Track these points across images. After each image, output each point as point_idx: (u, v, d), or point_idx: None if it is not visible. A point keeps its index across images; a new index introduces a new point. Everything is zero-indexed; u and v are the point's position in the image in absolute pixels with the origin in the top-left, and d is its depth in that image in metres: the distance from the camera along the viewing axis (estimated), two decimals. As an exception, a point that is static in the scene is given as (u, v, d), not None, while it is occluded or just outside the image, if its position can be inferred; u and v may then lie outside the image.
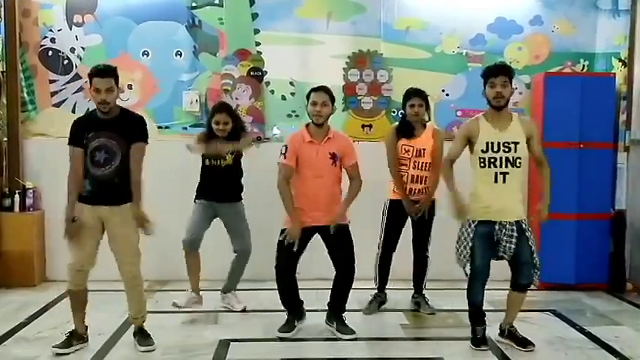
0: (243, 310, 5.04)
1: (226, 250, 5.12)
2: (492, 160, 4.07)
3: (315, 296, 5.36)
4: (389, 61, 6.13)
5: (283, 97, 6.12)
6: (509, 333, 4.33)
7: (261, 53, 6.08)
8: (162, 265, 5.73)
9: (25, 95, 6.02)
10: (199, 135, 5.09)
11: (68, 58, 6.02)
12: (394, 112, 6.16)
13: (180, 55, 6.07)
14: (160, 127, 6.05)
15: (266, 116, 6.10)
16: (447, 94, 6.19)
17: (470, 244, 4.13)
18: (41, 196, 5.99)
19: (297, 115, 6.12)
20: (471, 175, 4.20)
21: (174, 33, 6.04)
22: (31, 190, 5.89)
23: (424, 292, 5.19)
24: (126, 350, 4.21)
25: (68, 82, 6.04)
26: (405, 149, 4.95)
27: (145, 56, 6.04)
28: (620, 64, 6.07)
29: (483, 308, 4.31)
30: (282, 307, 4.61)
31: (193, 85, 6.07)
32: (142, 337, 4.24)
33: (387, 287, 5.21)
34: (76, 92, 6.05)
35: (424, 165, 4.93)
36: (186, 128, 6.06)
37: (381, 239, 5.09)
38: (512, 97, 6.09)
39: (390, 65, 6.14)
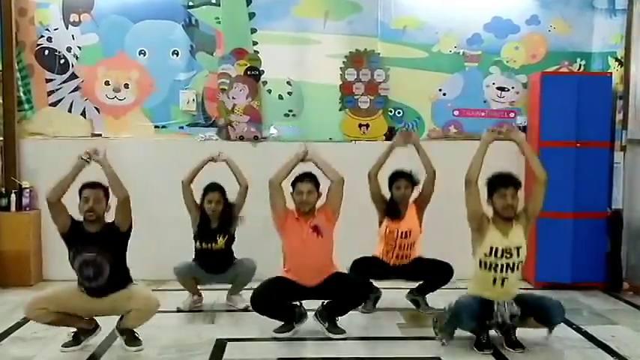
0: (245, 309, 5.03)
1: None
2: (493, 265, 4.09)
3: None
4: (386, 60, 6.13)
5: (280, 97, 6.11)
6: (505, 330, 4.30)
7: (258, 52, 6.07)
8: (159, 265, 5.73)
9: (22, 94, 6.01)
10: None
11: (65, 58, 6.01)
12: (391, 111, 6.17)
13: (177, 54, 6.06)
14: (156, 127, 6.04)
15: (263, 116, 6.09)
16: (444, 94, 6.19)
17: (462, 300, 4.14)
18: (38, 196, 5.97)
19: (294, 115, 6.12)
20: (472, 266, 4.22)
21: (170, 32, 6.04)
22: (27, 190, 5.89)
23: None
24: (122, 350, 4.19)
25: (65, 82, 6.03)
26: (389, 230, 4.95)
27: (142, 55, 6.03)
28: (617, 63, 6.08)
29: None
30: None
31: (190, 84, 6.07)
32: (130, 337, 4.21)
33: (384, 287, 5.20)
34: (72, 91, 6.04)
35: (408, 246, 4.97)
36: (182, 127, 6.06)
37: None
38: (509, 97, 6.21)
39: (387, 65, 6.14)
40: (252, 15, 6.05)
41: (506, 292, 4.14)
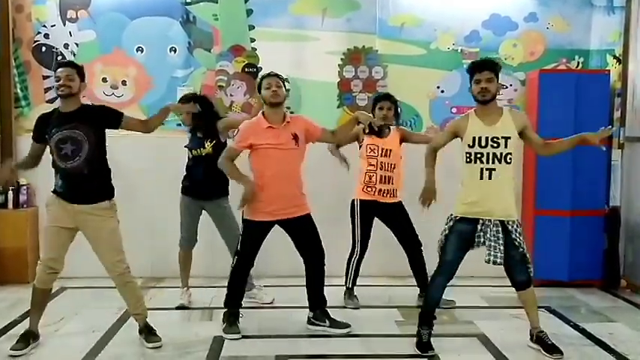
0: (271, 303, 5.06)
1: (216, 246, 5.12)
2: (478, 155, 4.00)
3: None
4: (384, 57, 6.12)
5: (278, 94, 6.09)
6: (537, 338, 4.20)
7: (255, 49, 6.06)
8: (157, 262, 5.73)
9: (19, 91, 5.99)
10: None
11: (62, 54, 5.99)
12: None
13: (175, 51, 6.04)
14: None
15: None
16: (442, 91, 6.18)
17: (444, 239, 4.10)
18: (35, 193, 5.96)
19: (292, 112, 6.08)
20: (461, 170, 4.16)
21: (168, 29, 6.02)
22: (24, 187, 5.87)
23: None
24: (120, 347, 4.20)
25: (62, 78, 6.01)
26: (370, 148, 4.97)
27: (139, 52, 6.01)
28: (615, 61, 6.08)
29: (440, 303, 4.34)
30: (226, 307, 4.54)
31: (188, 81, 6.05)
32: (148, 333, 4.23)
33: (380, 284, 5.21)
34: (69, 88, 6.01)
35: (391, 167, 4.97)
36: (180, 125, 6.03)
37: (358, 240, 5.07)
38: (507, 94, 6.19)
39: (385, 62, 6.13)
40: (249, 12, 6.04)
41: (498, 190, 3.98)
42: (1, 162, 5.83)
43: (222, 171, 4.55)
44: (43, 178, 5.85)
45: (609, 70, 5.96)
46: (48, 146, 4.11)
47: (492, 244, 3.97)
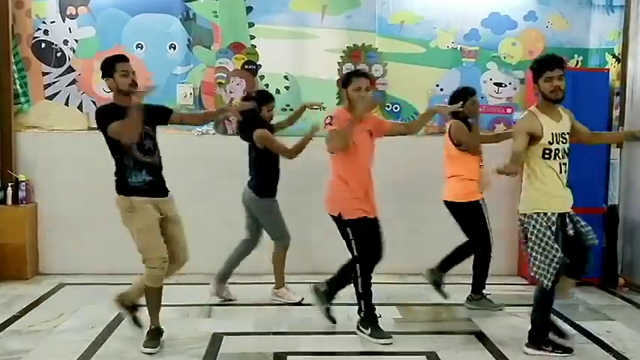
0: (300, 303, 5.04)
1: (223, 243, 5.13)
2: (557, 151, 4.03)
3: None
4: (384, 55, 6.13)
5: (278, 91, 6.09)
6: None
7: (255, 47, 6.06)
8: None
9: (18, 87, 5.99)
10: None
11: (61, 51, 5.99)
12: (389, 106, 6.16)
13: (174, 48, 6.04)
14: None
15: (260, 110, 6.07)
16: (442, 89, 6.18)
17: (552, 237, 3.97)
18: (34, 189, 5.96)
19: (291, 109, 6.09)
20: (528, 169, 4.10)
21: (168, 26, 6.01)
22: (24, 183, 5.87)
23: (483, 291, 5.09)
24: (119, 343, 4.21)
25: (61, 75, 6.01)
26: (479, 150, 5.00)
27: (139, 49, 6.01)
28: (614, 59, 6.09)
29: None
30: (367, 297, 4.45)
31: (187, 78, 6.05)
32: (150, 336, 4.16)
33: (379, 282, 5.20)
34: (69, 85, 6.01)
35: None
36: (178, 121, 6.04)
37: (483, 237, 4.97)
38: (507, 93, 6.22)
39: (385, 60, 6.13)
40: (249, 9, 6.04)
41: (566, 181, 4.07)
42: (1, 160, 5.87)
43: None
44: (42, 175, 5.91)
45: (608, 69, 5.97)
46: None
47: (584, 229, 4.11)
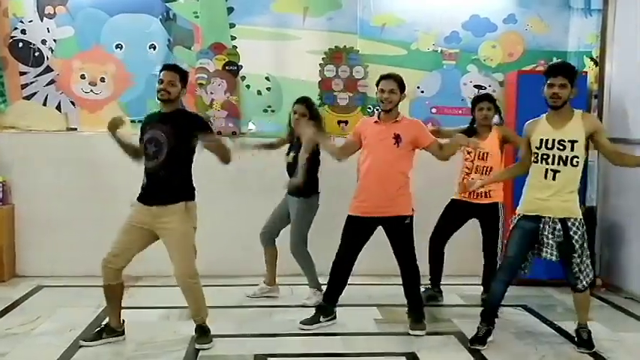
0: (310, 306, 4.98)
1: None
2: (545, 156, 4.07)
3: (290, 292, 5.39)
4: (365, 57, 6.14)
5: (259, 92, 6.09)
6: (576, 331, 4.35)
7: (236, 47, 6.03)
8: (135, 260, 5.67)
9: (-5, 87, 5.91)
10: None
11: (39, 50, 5.91)
12: (370, 108, 6.17)
13: (155, 48, 6.00)
14: (133, 121, 5.95)
15: (241, 111, 6.06)
16: (422, 91, 6.22)
17: (508, 235, 4.23)
18: (11, 191, 5.88)
19: (272, 111, 6.10)
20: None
21: (148, 26, 5.96)
22: (0, 184, 5.78)
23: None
24: (97, 347, 4.15)
25: (39, 75, 5.93)
26: (467, 150, 5.01)
27: (119, 49, 5.95)
28: (592, 62, 6.16)
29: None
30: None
31: (167, 78, 6.00)
32: (199, 334, 4.22)
33: (360, 283, 5.21)
34: (47, 85, 5.94)
35: (486, 169, 4.99)
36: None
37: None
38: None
39: (366, 62, 6.14)
40: (230, 10, 6.02)
41: (560, 191, 4.05)
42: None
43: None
44: (20, 176, 5.83)
45: (586, 72, 6.03)
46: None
47: (550, 241, 4.10)
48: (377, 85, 4.53)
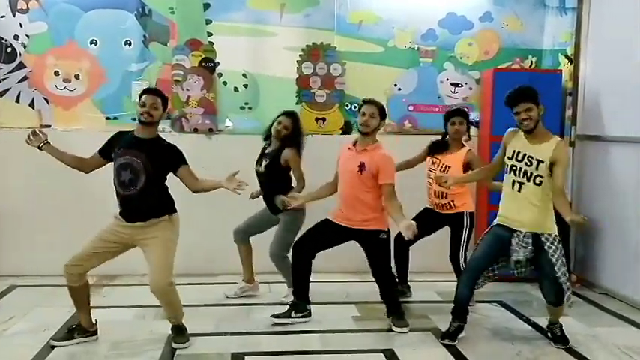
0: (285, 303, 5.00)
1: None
2: (514, 168, 4.16)
3: (267, 289, 5.37)
4: (342, 54, 6.13)
5: (236, 89, 6.05)
6: (548, 328, 4.44)
7: (213, 44, 5.99)
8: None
9: (-34, 84, 5.80)
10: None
11: (12, 46, 5.81)
12: (347, 105, 6.18)
13: (130, 44, 5.93)
14: (108, 118, 5.92)
15: (218, 108, 6.02)
16: (400, 89, 6.23)
17: (484, 241, 4.28)
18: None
19: (249, 107, 6.07)
20: None
21: (123, 22, 5.89)
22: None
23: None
24: (72, 346, 4.10)
25: (12, 71, 5.83)
26: (432, 161, 5.08)
27: (93, 45, 5.88)
28: (567, 60, 6.23)
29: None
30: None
31: (143, 75, 5.94)
32: (176, 333, 4.19)
33: (338, 280, 5.22)
34: (20, 81, 5.84)
35: None
36: (135, 119, 5.92)
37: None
38: (463, 93, 6.30)
39: (344, 59, 6.14)
40: (206, 6, 5.97)
41: (526, 204, 4.11)
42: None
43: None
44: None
45: (561, 70, 6.10)
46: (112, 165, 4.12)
47: (519, 257, 4.13)
48: (358, 109, 4.61)
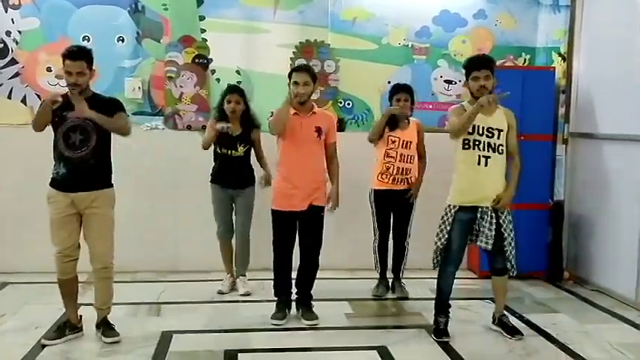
0: (246, 294, 5.08)
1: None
2: (477, 142, 4.12)
3: (261, 286, 5.36)
4: (336, 51, 6.12)
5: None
6: (499, 321, 4.41)
7: (206, 40, 5.97)
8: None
9: (-43, 80, 5.76)
10: (211, 120, 5.13)
11: (4, 42, 5.77)
12: (341, 102, 6.17)
13: (123, 40, 5.90)
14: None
15: (211, 105, 5.98)
16: (393, 86, 6.23)
17: (448, 228, 4.20)
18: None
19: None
20: (454, 160, 4.25)
21: (116, 18, 5.87)
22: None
23: (402, 280, 5.31)
24: (63, 344, 4.07)
25: (4, 67, 5.79)
26: (391, 140, 5.04)
27: (86, 41, 5.83)
28: (560, 58, 6.23)
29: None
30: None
31: (136, 71, 5.92)
32: (107, 328, 4.17)
33: (330, 277, 5.22)
34: (12, 77, 5.81)
35: (409, 157, 5.07)
36: (128, 116, 5.90)
37: (376, 227, 5.21)
38: (456, 90, 6.30)
39: (337, 56, 6.13)
40: (200, 2, 5.95)
41: (493, 178, 4.12)
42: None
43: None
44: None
45: (554, 68, 6.11)
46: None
47: (486, 231, 4.13)
48: (289, 76, 4.47)
